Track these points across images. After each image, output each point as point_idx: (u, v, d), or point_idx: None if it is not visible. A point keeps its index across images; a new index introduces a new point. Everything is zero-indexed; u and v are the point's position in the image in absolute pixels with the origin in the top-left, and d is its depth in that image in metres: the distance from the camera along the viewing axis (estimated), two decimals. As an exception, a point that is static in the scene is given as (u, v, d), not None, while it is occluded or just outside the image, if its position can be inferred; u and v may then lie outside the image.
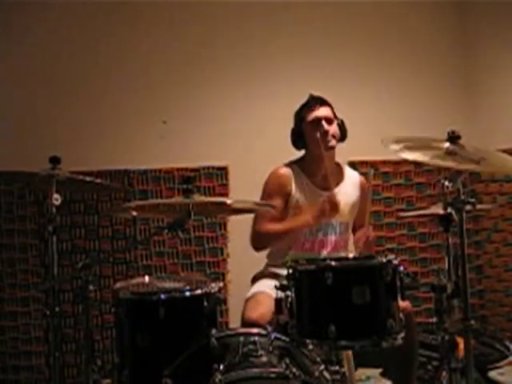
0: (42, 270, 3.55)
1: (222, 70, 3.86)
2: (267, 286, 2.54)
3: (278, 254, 2.73)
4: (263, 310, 2.41)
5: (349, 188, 2.81)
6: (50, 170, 2.26)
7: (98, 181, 2.51)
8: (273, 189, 2.73)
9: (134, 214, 2.43)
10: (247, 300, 2.58)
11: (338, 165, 2.85)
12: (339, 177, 2.81)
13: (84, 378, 1.94)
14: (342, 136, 2.78)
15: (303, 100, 2.80)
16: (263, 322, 2.30)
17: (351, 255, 2.46)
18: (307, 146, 2.76)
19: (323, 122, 2.69)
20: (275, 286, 2.00)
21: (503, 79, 3.93)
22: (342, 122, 2.78)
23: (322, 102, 2.76)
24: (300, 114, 2.78)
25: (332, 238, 2.72)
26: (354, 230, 2.86)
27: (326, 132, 2.68)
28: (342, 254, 2.66)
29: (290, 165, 2.79)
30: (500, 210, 3.88)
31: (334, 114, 2.77)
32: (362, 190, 2.83)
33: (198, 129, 3.81)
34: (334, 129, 2.72)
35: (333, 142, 2.71)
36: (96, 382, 1.95)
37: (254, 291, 2.61)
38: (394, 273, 1.92)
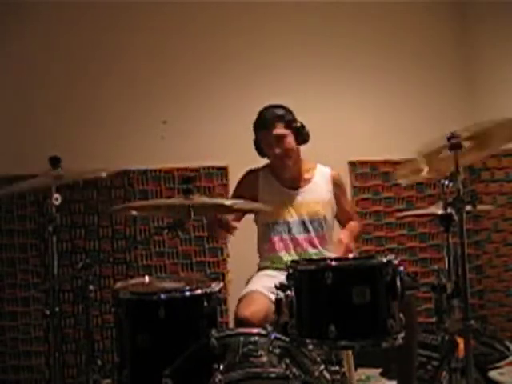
0: (42, 270, 3.56)
1: (221, 69, 3.86)
2: (261, 286, 2.57)
3: (260, 254, 2.82)
4: (256, 308, 2.41)
5: (319, 185, 2.80)
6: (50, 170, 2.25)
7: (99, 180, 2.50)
8: (237, 190, 2.83)
9: (134, 213, 2.43)
10: (240, 298, 2.59)
11: (308, 163, 2.85)
12: (309, 175, 2.82)
13: (84, 378, 1.94)
14: (303, 140, 2.75)
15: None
16: (255, 320, 2.32)
17: (351, 255, 2.46)
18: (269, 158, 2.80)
19: (276, 150, 2.69)
20: (275, 286, 2.00)
21: (504, 78, 3.93)
22: (301, 125, 2.73)
23: (270, 122, 2.70)
24: (255, 131, 2.76)
25: (305, 236, 2.72)
26: (343, 225, 2.86)
27: (279, 155, 2.70)
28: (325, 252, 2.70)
29: (262, 168, 2.84)
30: (500, 210, 3.88)
31: (290, 120, 2.71)
32: (335, 183, 2.83)
33: (197, 129, 3.82)
34: (287, 144, 2.70)
35: (288, 162, 2.71)
36: (96, 382, 1.95)
37: (247, 290, 2.62)
38: (394, 273, 1.92)
